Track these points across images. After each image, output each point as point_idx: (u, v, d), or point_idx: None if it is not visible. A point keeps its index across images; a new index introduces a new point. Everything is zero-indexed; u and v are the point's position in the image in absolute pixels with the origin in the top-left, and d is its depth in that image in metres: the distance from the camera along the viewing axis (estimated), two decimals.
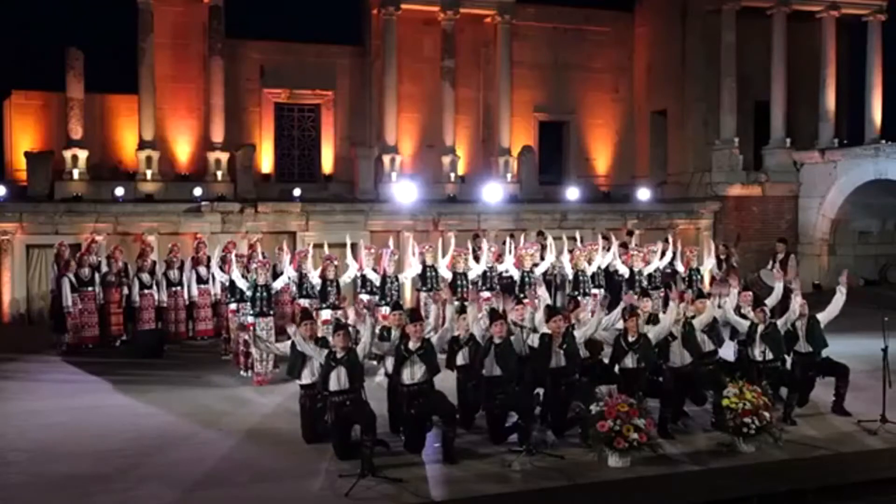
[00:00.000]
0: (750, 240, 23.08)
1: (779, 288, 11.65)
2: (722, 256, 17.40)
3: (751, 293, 11.26)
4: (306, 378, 9.37)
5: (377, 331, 9.82)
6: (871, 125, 23.90)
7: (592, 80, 26.09)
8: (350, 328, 9.46)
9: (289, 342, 9.54)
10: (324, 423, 9.13)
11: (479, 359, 9.53)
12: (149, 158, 21.20)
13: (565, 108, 25.87)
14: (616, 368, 10.07)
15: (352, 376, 8.77)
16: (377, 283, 13.71)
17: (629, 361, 9.91)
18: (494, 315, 9.80)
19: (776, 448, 9.06)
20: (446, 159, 23.48)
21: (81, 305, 14.94)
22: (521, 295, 13.57)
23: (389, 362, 9.57)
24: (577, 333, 9.97)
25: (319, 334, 9.74)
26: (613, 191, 25.36)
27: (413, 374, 9.09)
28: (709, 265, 15.92)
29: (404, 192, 21.37)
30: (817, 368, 10.71)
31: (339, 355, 8.83)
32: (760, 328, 10.41)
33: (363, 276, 13.82)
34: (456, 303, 10.68)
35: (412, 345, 9.14)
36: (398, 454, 8.92)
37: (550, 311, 10.12)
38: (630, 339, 9.95)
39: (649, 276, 14.85)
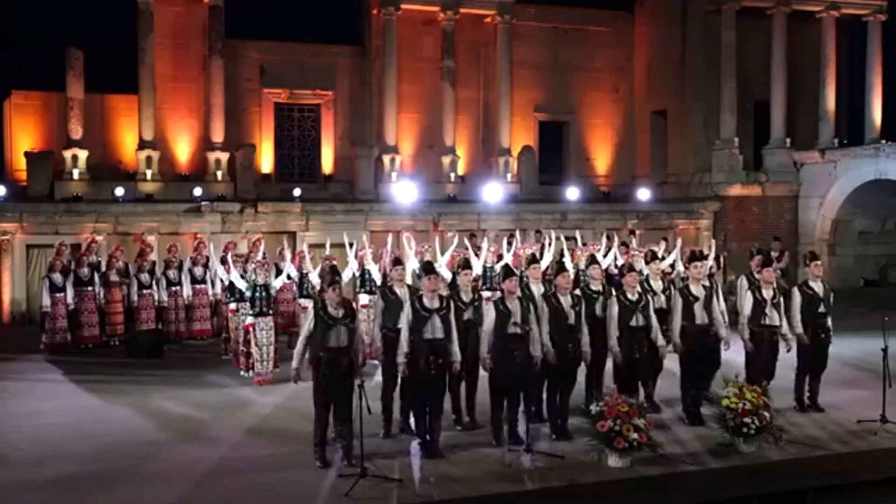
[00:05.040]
0: (750, 240, 23.06)
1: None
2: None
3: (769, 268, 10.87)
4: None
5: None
6: (871, 125, 23.92)
7: (592, 80, 26.09)
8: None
9: (311, 317, 8.76)
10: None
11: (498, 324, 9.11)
12: (149, 158, 21.21)
13: (565, 108, 25.87)
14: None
15: (350, 335, 8.52)
16: (378, 281, 13.66)
17: (636, 320, 9.83)
18: (508, 271, 9.45)
19: (776, 448, 9.05)
20: (446, 159, 23.49)
21: (81, 305, 14.97)
22: None
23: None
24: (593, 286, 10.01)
25: None
26: (613, 191, 25.35)
27: (434, 329, 8.80)
28: (707, 265, 15.87)
29: (404, 192, 21.38)
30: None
31: (336, 314, 8.49)
32: (768, 294, 10.26)
33: (363, 275, 13.79)
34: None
35: (428, 303, 8.87)
36: (398, 454, 8.91)
37: (560, 267, 10.04)
38: (631, 297, 9.89)
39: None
